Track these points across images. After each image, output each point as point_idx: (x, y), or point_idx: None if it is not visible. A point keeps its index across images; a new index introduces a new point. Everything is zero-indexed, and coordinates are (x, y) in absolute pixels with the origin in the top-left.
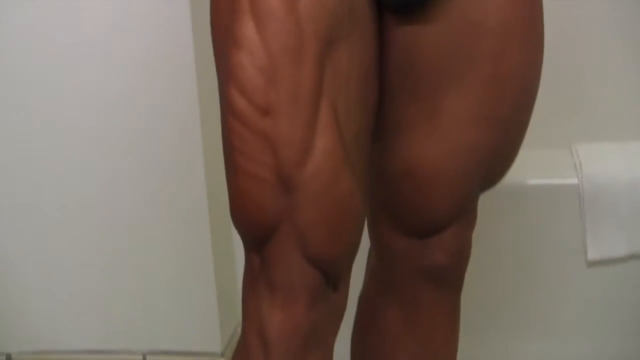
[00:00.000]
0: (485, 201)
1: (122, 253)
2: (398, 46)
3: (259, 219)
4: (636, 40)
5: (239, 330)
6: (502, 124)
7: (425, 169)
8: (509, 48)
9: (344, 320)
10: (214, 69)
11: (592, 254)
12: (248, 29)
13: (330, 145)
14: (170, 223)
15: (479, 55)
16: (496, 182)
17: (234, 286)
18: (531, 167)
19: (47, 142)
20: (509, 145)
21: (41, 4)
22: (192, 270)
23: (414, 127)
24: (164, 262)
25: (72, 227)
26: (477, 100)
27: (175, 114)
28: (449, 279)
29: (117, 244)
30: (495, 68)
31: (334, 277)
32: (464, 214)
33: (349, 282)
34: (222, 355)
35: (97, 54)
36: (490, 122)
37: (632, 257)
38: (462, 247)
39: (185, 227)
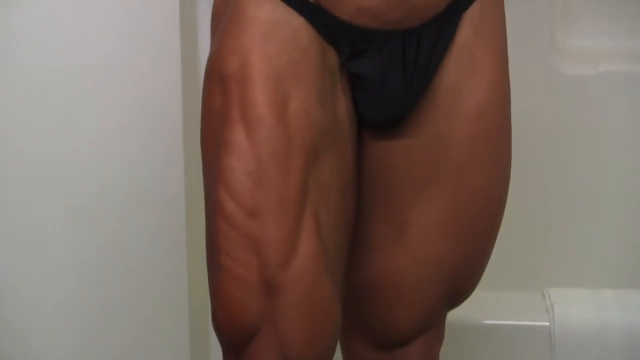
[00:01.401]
0: (456, 340)
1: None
2: (372, 160)
3: (241, 321)
4: (609, 192)
5: None
6: (467, 236)
7: (390, 279)
8: (474, 162)
9: None
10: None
11: None
12: (238, 135)
13: (313, 251)
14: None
15: (445, 169)
16: (463, 298)
17: None
18: (504, 308)
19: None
20: (475, 258)
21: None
22: None
23: (380, 238)
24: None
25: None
26: (441, 212)
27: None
28: None
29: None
30: (460, 181)
31: None
32: (430, 328)
33: None
34: None
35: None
36: (455, 234)
37: None
38: None
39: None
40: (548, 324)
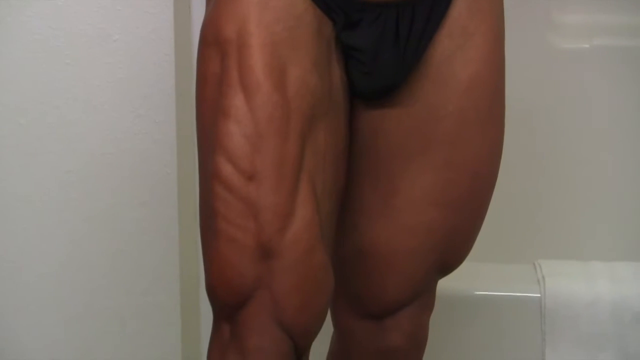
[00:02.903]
0: (448, 310)
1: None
2: (363, 129)
3: (237, 284)
4: (602, 165)
5: None
6: (457, 208)
7: (379, 248)
8: (464, 134)
9: None
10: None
11: None
12: (237, 100)
13: (309, 217)
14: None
15: (435, 140)
16: (453, 267)
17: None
18: (495, 280)
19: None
20: (465, 230)
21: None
22: None
23: (370, 208)
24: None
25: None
26: (431, 184)
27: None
28: None
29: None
30: (450, 153)
31: (301, 347)
32: (419, 296)
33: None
34: None
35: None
36: (444, 205)
37: None
38: (418, 330)
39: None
40: (539, 295)
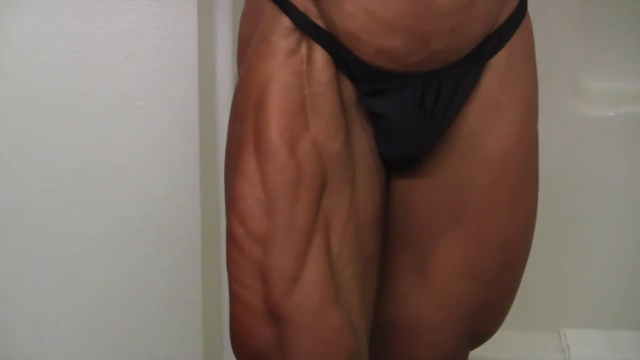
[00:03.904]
0: None
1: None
2: (395, 201)
3: (250, 348)
4: (629, 233)
5: None
6: (487, 281)
7: (409, 320)
8: (494, 208)
9: None
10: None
11: None
12: (251, 163)
13: (318, 279)
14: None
15: (465, 214)
16: (484, 339)
17: None
18: (520, 348)
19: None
20: (496, 303)
21: None
22: None
23: (402, 279)
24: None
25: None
26: (462, 256)
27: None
28: None
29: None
30: (481, 226)
31: None
32: None
33: None
34: None
35: None
36: (474, 278)
37: None
38: None
39: None
40: None
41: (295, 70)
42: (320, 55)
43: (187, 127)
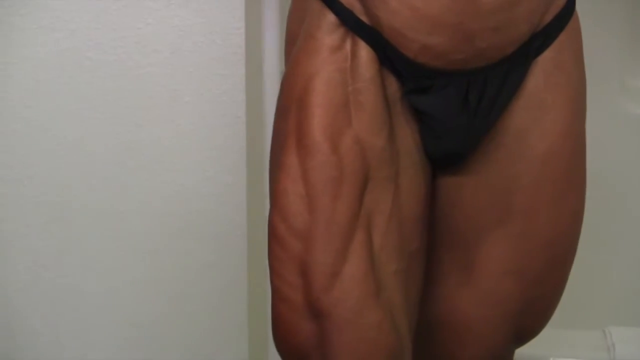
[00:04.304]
0: None
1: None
2: (441, 198)
3: (292, 344)
4: None
5: None
6: (533, 278)
7: (455, 317)
8: (540, 206)
9: None
10: None
11: None
12: (293, 159)
13: (358, 274)
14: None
15: (510, 211)
16: (530, 337)
17: None
18: (565, 346)
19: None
20: (542, 301)
21: None
22: None
23: (447, 276)
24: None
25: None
26: (508, 254)
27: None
28: None
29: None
30: (525, 225)
31: None
32: None
33: None
34: None
35: None
36: (520, 275)
37: None
38: None
39: None
40: None
41: (339, 66)
42: (364, 52)
43: (234, 122)
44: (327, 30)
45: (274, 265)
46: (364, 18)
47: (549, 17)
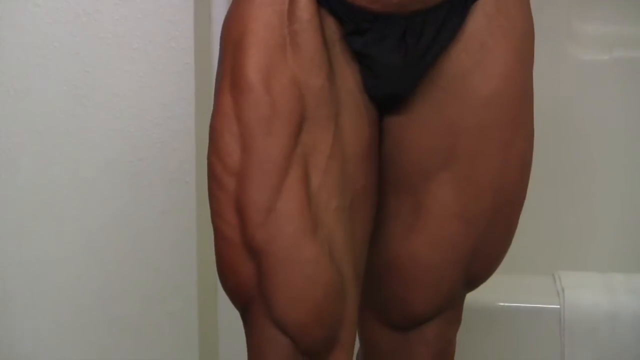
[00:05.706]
0: (467, 321)
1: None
2: (388, 140)
3: (235, 283)
4: (623, 176)
5: None
6: (480, 223)
7: (404, 261)
8: (485, 150)
9: None
10: None
11: None
12: (226, 100)
13: (292, 210)
14: None
15: (455, 155)
16: (480, 282)
17: None
18: (515, 291)
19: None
20: (491, 246)
21: None
22: None
23: (396, 220)
24: None
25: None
26: (454, 198)
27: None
28: None
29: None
30: (470, 169)
31: (306, 347)
32: (445, 310)
33: None
34: None
35: None
36: (467, 220)
37: None
38: (444, 345)
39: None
40: (559, 307)
41: (277, 9)
42: None
43: (182, 69)
44: None
45: (214, 205)
46: None
47: None
